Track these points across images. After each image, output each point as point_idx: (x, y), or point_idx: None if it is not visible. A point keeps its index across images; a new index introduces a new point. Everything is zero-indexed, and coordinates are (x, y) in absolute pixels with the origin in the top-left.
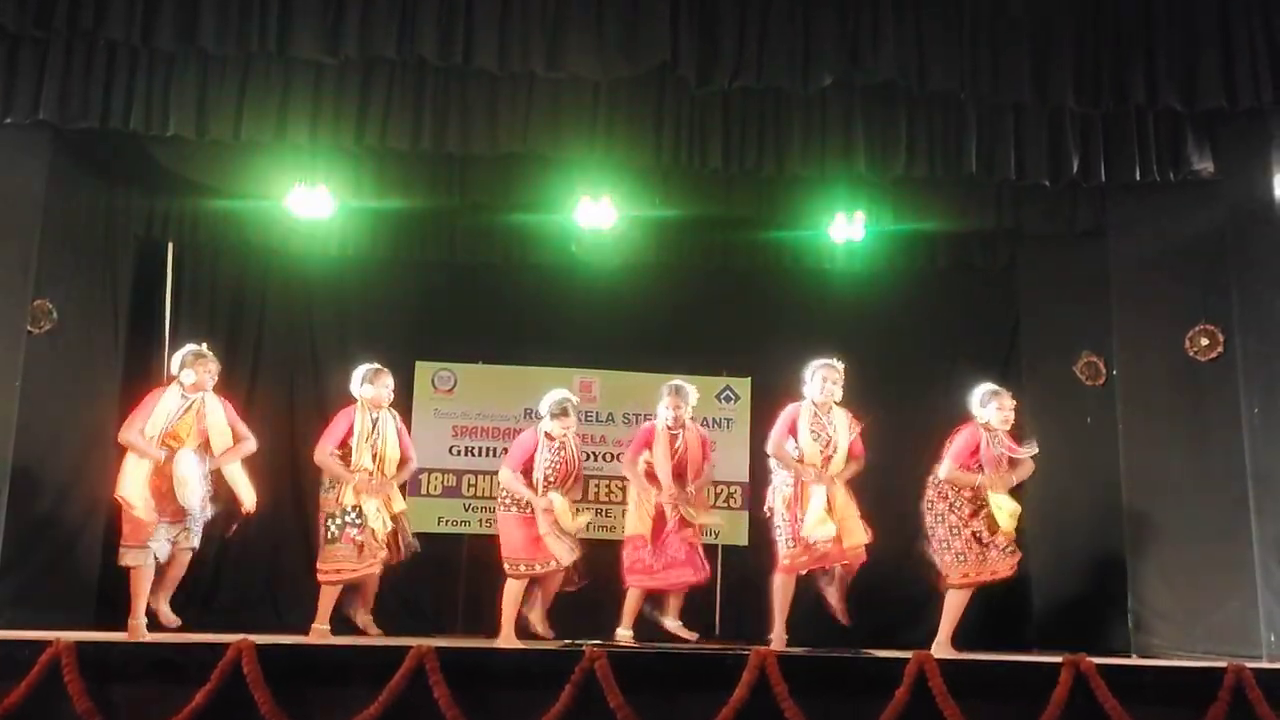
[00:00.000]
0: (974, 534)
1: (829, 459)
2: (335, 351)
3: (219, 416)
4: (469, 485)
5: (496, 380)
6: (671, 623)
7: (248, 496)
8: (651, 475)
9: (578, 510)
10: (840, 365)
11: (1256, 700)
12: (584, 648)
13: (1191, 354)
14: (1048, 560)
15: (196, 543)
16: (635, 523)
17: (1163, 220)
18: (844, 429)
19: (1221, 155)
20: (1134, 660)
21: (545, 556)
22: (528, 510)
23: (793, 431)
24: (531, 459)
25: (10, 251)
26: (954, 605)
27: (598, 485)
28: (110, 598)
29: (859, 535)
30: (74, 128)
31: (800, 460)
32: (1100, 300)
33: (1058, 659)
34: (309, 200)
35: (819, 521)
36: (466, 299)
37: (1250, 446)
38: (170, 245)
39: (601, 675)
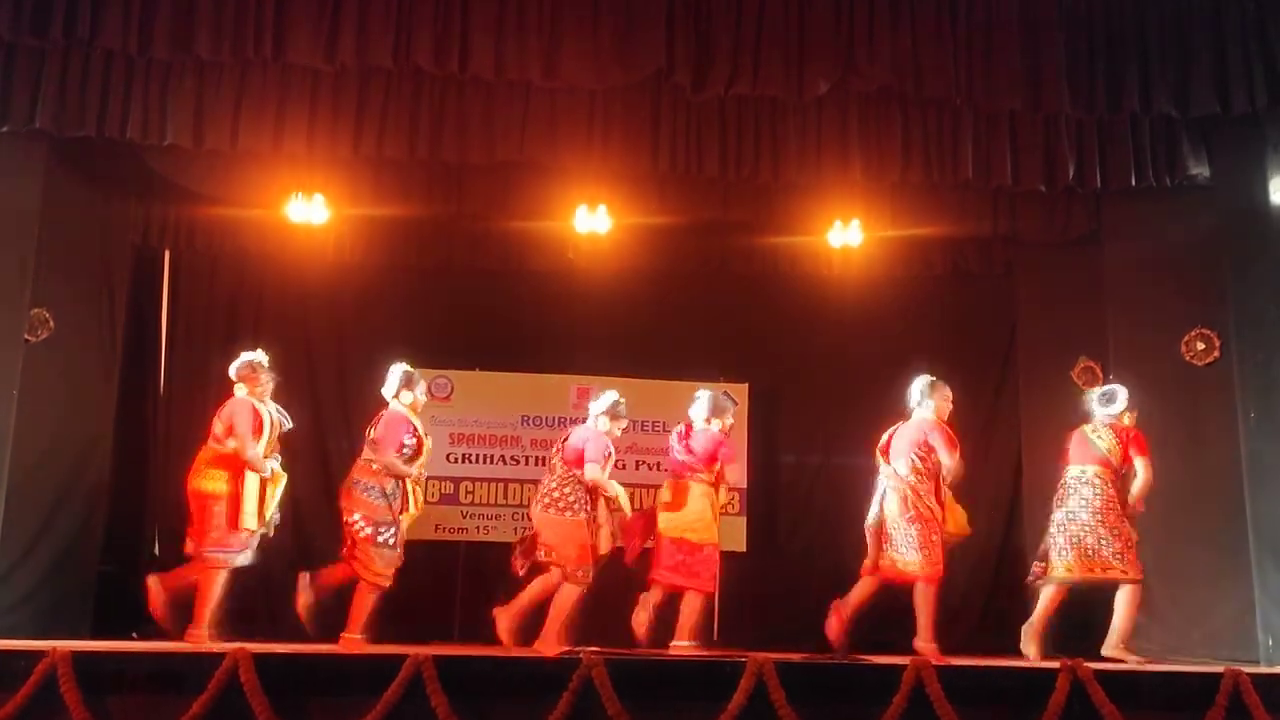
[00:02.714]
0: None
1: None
2: (332, 359)
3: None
4: (466, 492)
5: (493, 387)
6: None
7: None
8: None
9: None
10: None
11: (1254, 705)
12: (581, 655)
13: (1188, 358)
14: None
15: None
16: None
17: (1159, 225)
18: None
19: (1216, 160)
20: (1131, 665)
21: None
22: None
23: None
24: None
25: (7, 260)
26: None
27: None
28: (107, 607)
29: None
30: (70, 136)
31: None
32: (1097, 305)
33: (1055, 664)
34: (306, 208)
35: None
36: (463, 306)
37: (1246, 450)
38: (167, 254)
39: (599, 683)
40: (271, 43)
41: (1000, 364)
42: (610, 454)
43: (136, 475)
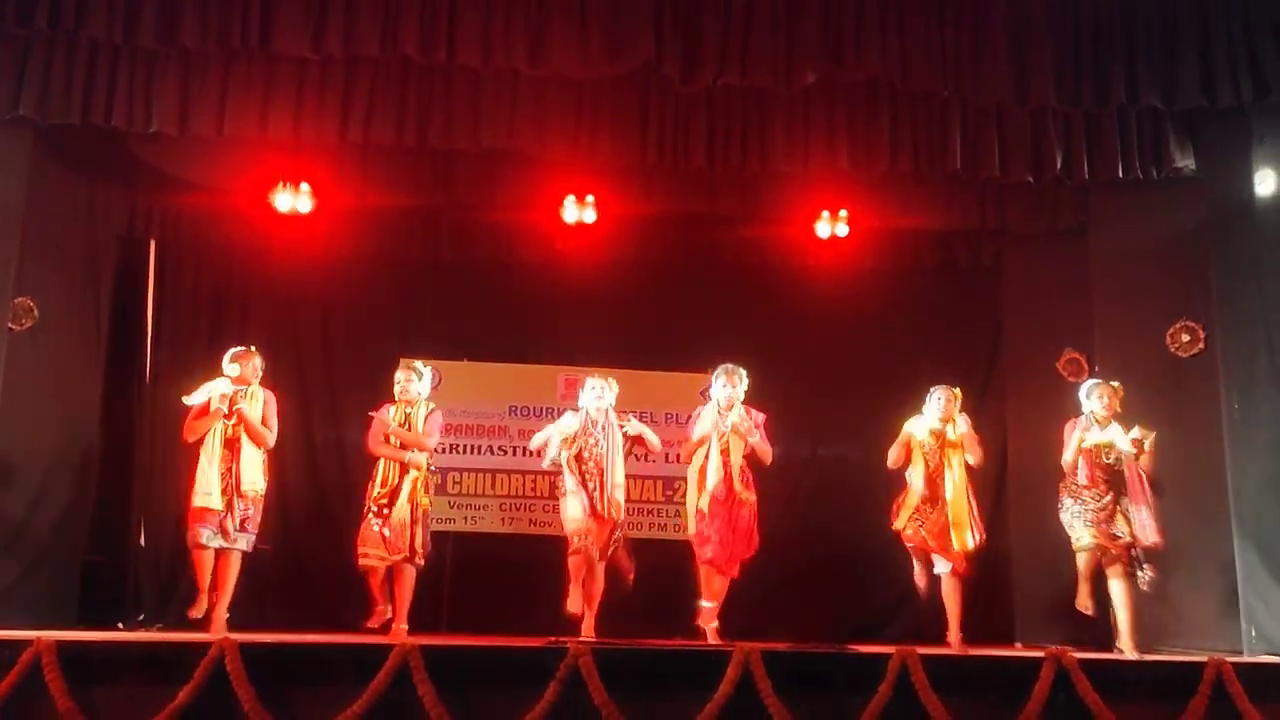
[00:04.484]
0: None
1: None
2: (318, 348)
3: (256, 410)
4: (454, 483)
5: (481, 378)
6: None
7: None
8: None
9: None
10: (959, 391)
11: (1237, 694)
12: (568, 644)
13: (1173, 350)
14: (1030, 555)
15: (246, 545)
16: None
17: (1145, 217)
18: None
19: (1203, 153)
20: (1116, 655)
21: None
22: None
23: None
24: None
25: None
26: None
27: None
28: (93, 597)
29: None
30: (55, 124)
31: None
32: (1083, 297)
33: (1040, 654)
34: (292, 197)
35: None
36: (451, 296)
37: (1230, 441)
38: (153, 242)
39: (586, 672)
40: (258, 32)
41: (987, 355)
42: (553, 436)
43: (122, 464)
